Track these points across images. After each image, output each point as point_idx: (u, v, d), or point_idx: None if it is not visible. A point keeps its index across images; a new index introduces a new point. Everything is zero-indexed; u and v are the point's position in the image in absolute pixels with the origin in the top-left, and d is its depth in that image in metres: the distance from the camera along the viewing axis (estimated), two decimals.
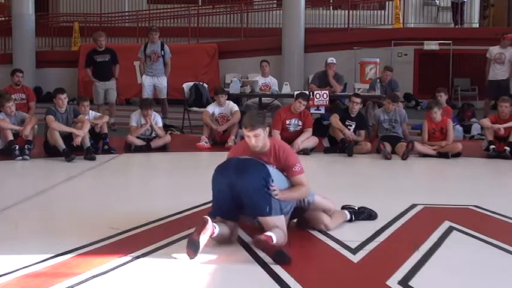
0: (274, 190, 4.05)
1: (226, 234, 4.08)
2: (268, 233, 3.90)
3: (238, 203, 4.09)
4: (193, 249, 3.82)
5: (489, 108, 11.70)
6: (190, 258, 3.83)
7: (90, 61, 11.03)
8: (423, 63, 16.36)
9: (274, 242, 3.86)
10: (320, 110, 10.07)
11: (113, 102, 11.20)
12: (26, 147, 7.87)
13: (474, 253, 4.14)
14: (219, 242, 4.05)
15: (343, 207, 4.85)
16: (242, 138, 4.72)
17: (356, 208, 4.86)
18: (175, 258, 3.90)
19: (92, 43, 12.14)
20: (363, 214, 4.82)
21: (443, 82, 15.10)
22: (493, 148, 8.27)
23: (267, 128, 4.30)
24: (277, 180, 4.16)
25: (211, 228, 3.92)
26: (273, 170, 4.18)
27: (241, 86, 10.90)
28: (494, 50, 11.61)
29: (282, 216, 4.13)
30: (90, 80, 11.25)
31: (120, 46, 11.28)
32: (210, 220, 3.92)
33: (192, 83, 11.46)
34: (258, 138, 4.20)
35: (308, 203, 4.42)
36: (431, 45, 16.04)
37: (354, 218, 4.76)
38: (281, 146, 4.38)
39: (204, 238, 3.85)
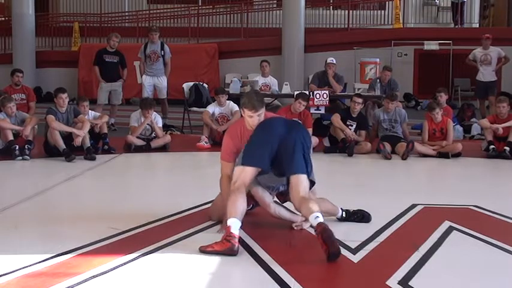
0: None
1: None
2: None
3: (275, 158, 4.24)
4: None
5: (485, 108, 11.73)
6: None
7: (99, 60, 11.00)
8: (423, 63, 16.36)
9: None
10: (320, 110, 10.06)
11: (116, 104, 11.17)
12: (26, 147, 7.86)
13: (474, 253, 4.14)
14: None
15: None
16: None
17: (351, 211, 4.78)
18: (175, 258, 3.89)
19: (94, 43, 12.14)
20: (355, 215, 4.75)
21: (443, 82, 15.12)
22: (493, 148, 8.27)
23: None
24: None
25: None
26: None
27: (241, 86, 10.89)
28: (478, 53, 11.67)
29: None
30: (95, 79, 11.19)
31: (120, 46, 11.24)
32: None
33: (192, 83, 11.47)
34: (261, 117, 4.43)
35: None
36: (431, 45, 16.04)
37: (345, 216, 4.70)
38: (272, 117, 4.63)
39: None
